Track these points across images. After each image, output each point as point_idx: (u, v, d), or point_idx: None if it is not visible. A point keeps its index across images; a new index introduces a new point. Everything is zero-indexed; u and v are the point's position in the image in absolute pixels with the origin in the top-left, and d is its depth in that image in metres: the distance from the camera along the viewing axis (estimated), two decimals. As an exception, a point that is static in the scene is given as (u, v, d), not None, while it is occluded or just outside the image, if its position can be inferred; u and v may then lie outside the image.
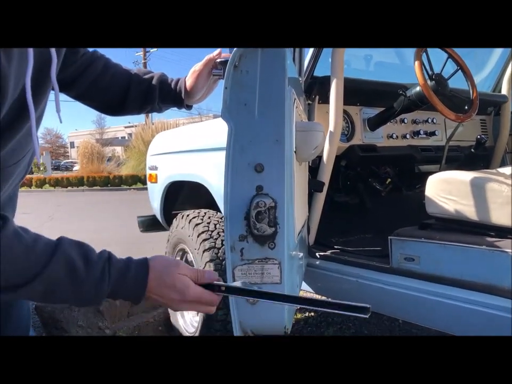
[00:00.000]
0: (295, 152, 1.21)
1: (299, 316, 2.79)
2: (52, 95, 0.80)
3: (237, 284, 0.79)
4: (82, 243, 0.73)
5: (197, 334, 2.04)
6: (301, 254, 1.58)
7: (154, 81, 1.09)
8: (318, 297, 2.03)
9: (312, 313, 2.84)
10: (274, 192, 1.03)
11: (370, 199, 2.24)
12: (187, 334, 2.16)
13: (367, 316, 0.72)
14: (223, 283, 0.79)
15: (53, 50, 0.74)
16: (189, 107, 1.15)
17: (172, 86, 1.11)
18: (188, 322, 2.24)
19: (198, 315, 2.13)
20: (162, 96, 1.10)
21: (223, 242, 1.77)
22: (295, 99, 1.20)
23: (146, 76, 1.10)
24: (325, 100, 1.78)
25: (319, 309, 0.76)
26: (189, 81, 1.10)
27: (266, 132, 1.03)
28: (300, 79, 1.69)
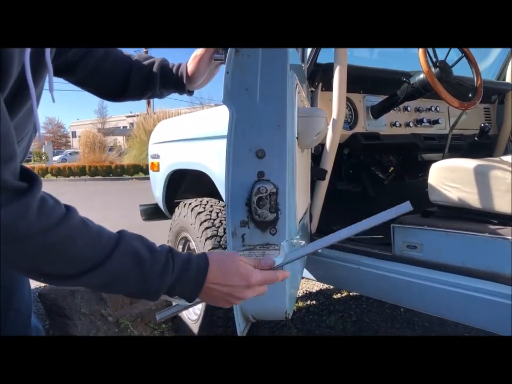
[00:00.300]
0: (297, 138, 1.20)
1: (301, 304, 2.81)
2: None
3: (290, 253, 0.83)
4: (141, 236, 0.73)
5: (199, 321, 2.05)
6: (303, 242, 1.58)
7: (155, 67, 1.09)
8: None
9: (314, 302, 2.85)
10: (276, 178, 1.03)
11: (373, 187, 2.24)
12: (189, 321, 2.17)
13: (411, 208, 0.77)
14: (281, 262, 0.83)
15: None
16: (190, 92, 1.14)
17: (173, 71, 1.10)
18: (190, 309, 2.25)
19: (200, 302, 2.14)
20: (163, 81, 1.09)
21: (225, 231, 1.77)
22: (297, 84, 1.19)
23: (147, 62, 1.09)
24: (328, 87, 1.77)
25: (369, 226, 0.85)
26: (190, 66, 1.09)
27: (268, 117, 1.03)
28: (303, 65, 1.68)
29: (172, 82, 1.10)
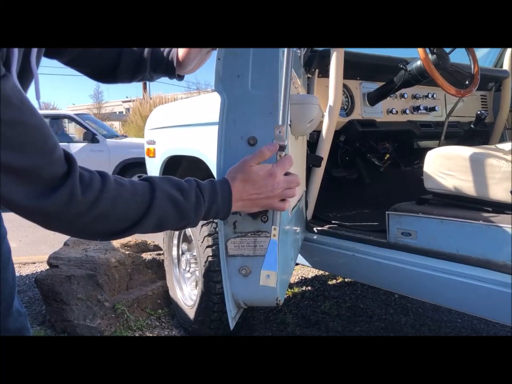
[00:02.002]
0: (289, 125, 1.19)
1: (296, 289, 2.83)
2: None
3: None
4: (168, 177, 0.82)
5: (195, 307, 2.06)
6: (298, 229, 1.58)
7: (146, 51, 1.08)
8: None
9: (309, 288, 2.87)
10: None
11: (369, 174, 2.24)
12: (186, 307, 2.19)
13: None
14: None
15: None
16: (180, 77, 1.13)
17: (164, 55, 1.09)
18: (187, 295, 2.27)
19: (196, 288, 2.15)
20: (153, 65, 1.09)
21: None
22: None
23: None
24: (325, 73, 1.76)
25: None
26: (181, 51, 1.08)
27: (260, 104, 1.02)
28: (298, 52, 1.67)
29: (162, 66, 1.10)
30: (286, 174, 0.93)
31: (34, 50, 0.73)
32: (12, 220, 1.70)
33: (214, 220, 1.96)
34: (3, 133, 0.58)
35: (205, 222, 1.96)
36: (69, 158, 0.68)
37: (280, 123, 0.96)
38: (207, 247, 1.93)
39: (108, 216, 0.71)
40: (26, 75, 0.74)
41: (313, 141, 1.77)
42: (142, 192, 0.75)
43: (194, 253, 2.17)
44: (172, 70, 1.10)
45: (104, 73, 1.09)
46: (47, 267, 2.46)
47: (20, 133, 0.60)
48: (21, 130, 0.60)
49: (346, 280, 2.96)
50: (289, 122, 1.18)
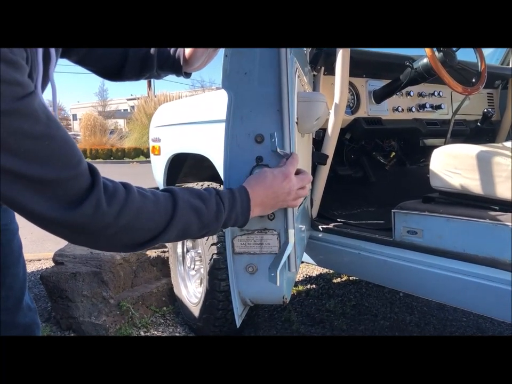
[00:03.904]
0: (296, 123, 1.19)
1: (301, 288, 2.82)
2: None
3: None
4: (188, 187, 0.86)
5: (200, 304, 2.06)
6: (303, 227, 1.58)
7: (152, 49, 1.08)
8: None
9: (314, 286, 2.87)
10: (274, 163, 1.02)
11: (374, 172, 2.24)
12: (190, 304, 2.19)
13: None
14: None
15: (52, 50, 0.74)
16: (187, 75, 1.13)
17: (171, 53, 1.09)
18: (191, 293, 2.27)
19: (201, 286, 2.16)
20: (160, 63, 1.09)
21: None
22: (297, 68, 1.17)
23: None
24: (331, 71, 1.75)
25: None
26: (188, 49, 1.08)
27: (267, 101, 1.02)
28: (305, 49, 1.66)
29: (168, 64, 1.10)
30: (296, 172, 0.96)
31: (53, 62, 0.74)
32: (17, 216, 1.70)
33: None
34: (32, 147, 0.60)
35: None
36: (92, 170, 0.69)
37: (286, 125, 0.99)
38: (212, 244, 1.93)
39: (133, 228, 0.72)
40: (43, 85, 0.76)
41: (319, 139, 1.76)
42: (164, 202, 0.77)
43: (199, 251, 2.17)
44: (178, 68, 1.10)
45: (112, 71, 1.09)
46: (52, 264, 2.46)
47: (47, 146, 0.61)
48: (47, 143, 0.61)
49: (351, 278, 2.95)
50: (296, 120, 1.18)
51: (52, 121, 0.63)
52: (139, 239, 0.75)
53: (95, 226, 0.67)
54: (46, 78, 0.76)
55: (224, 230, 1.05)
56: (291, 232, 1.02)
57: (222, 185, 2.06)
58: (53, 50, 0.75)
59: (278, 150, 0.98)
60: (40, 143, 0.60)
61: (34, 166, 0.60)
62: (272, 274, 0.94)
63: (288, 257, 1.04)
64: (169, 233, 0.77)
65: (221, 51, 1.06)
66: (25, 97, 0.58)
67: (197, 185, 2.10)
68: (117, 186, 0.71)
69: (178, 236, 0.80)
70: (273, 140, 0.98)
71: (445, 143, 2.11)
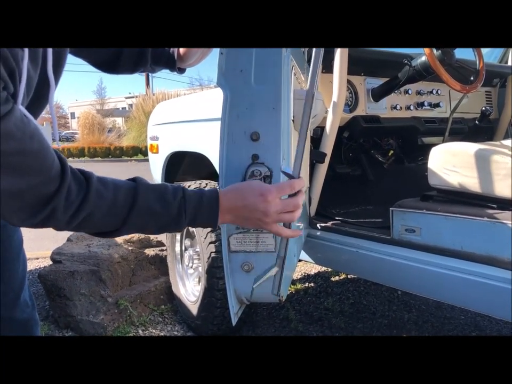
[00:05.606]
0: (292, 121, 1.19)
1: (299, 286, 2.83)
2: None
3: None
4: (158, 185, 0.82)
5: (198, 303, 2.06)
6: (301, 225, 1.58)
7: None
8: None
9: (312, 284, 2.87)
10: (270, 161, 1.02)
11: (373, 170, 2.24)
12: (189, 303, 2.19)
13: None
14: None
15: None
16: (181, 70, 1.14)
17: (165, 48, 1.09)
18: (190, 291, 2.27)
19: (199, 284, 2.15)
20: (154, 58, 1.09)
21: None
22: (293, 66, 1.17)
23: None
24: (329, 69, 1.75)
25: None
26: None
27: (263, 99, 1.01)
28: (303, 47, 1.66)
29: (163, 59, 1.10)
30: (292, 195, 0.87)
31: (50, 60, 0.74)
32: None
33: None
34: (5, 162, 0.62)
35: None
36: (62, 172, 0.70)
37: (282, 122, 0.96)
38: (210, 243, 1.93)
39: (84, 227, 0.76)
40: (44, 85, 0.76)
41: (317, 137, 1.76)
42: (121, 205, 0.77)
43: (197, 249, 2.16)
44: (172, 64, 1.10)
45: (107, 64, 1.09)
46: (50, 262, 2.46)
47: (18, 160, 0.64)
48: (20, 158, 0.64)
49: (349, 276, 2.95)
50: (292, 118, 1.18)
51: (27, 136, 0.65)
52: (91, 231, 0.80)
53: (51, 225, 0.73)
54: (45, 76, 0.75)
55: (220, 227, 1.05)
56: (280, 258, 1.01)
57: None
58: (49, 50, 0.74)
59: (282, 168, 0.94)
60: (12, 158, 0.63)
61: (6, 178, 0.63)
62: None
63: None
64: (122, 233, 0.80)
65: (216, 48, 1.06)
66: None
67: (194, 184, 2.10)
68: (80, 190, 0.73)
69: (137, 230, 0.83)
70: (283, 159, 0.95)
71: (443, 141, 2.11)
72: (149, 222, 0.80)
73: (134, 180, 0.82)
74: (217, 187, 2.05)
